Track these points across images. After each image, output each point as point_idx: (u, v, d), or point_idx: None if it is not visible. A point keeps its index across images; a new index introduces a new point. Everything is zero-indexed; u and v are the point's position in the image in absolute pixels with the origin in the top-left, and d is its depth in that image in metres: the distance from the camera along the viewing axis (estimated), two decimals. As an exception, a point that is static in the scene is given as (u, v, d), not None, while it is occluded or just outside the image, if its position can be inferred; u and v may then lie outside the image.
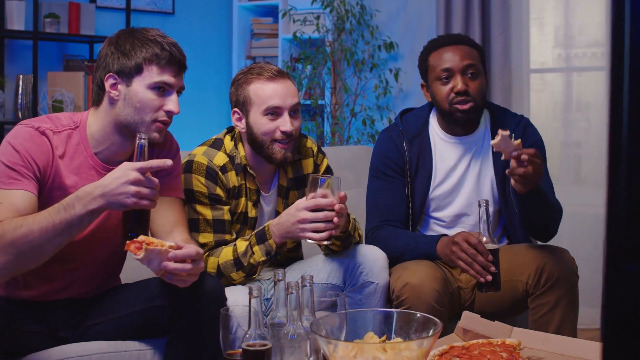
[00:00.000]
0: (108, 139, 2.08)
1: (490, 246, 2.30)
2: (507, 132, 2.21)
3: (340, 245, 2.39)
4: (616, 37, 0.74)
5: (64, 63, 4.52)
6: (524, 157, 2.22)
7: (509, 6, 4.14)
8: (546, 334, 2.13)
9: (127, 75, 2.03)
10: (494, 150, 2.27)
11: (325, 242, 2.23)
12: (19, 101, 4.26)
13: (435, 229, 2.68)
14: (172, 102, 2.05)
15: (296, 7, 4.79)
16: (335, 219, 2.20)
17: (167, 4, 5.03)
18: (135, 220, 1.88)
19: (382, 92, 4.62)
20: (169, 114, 2.06)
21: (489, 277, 2.28)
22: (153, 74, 2.02)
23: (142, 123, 2.03)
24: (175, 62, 2.06)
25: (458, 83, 2.54)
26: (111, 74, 2.03)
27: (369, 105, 4.72)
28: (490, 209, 2.62)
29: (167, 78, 2.04)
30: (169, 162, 1.91)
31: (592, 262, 3.56)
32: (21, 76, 4.26)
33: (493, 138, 2.64)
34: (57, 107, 4.26)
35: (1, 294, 2.07)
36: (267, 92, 2.36)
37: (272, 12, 5.17)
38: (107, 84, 2.04)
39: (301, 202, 2.22)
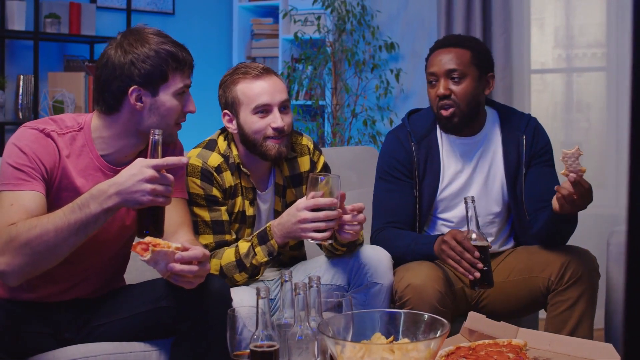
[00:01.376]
0: (120, 143, 2.07)
1: (480, 243, 2.30)
2: (582, 153, 2.19)
3: (347, 250, 2.39)
4: (637, 35, 0.74)
5: (65, 63, 4.51)
6: (573, 178, 2.21)
7: (510, 7, 4.15)
8: (552, 334, 2.13)
9: (153, 85, 2.02)
10: (561, 159, 2.23)
11: (327, 242, 2.23)
12: (20, 102, 4.25)
13: (443, 230, 2.67)
14: (191, 103, 2.10)
15: (297, 8, 4.79)
16: (358, 228, 2.22)
17: (168, 4, 5.03)
18: (151, 218, 1.86)
19: (383, 92, 4.62)
20: (187, 114, 2.11)
21: (477, 274, 2.29)
22: (177, 81, 2.04)
23: (167, 128, 2.05)
24: (190, 64, 2.09)
25: (439, 87, 2.57)
26: (135, 86, 2.00)
27: (370, 106, 4.72)
28: (497, 209, 2.63)
29: (187, 81, 2.08)
30: (184, 159, 1.92)
31: (595, 262, 3.56)
32: (22, 76, 4.25)
33: (503, 138, 2.64)
34: (58, 108, 4.25)
35: (5, 296, 2.06)
36: (254, 90, 2.36)
37: (272, 12, 5.16)
38: (132, 97, 2.01)
39: (301, 202, 2.22)
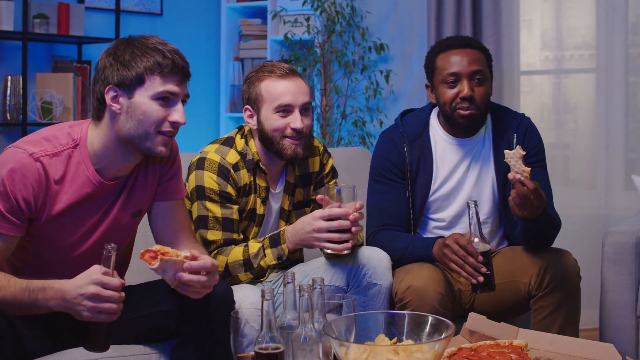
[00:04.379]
0: (110, 154, 2.00)
1: (482, 247, 2.29)
2: (524, 153, 2.23)
3: None
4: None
5: (53, 64, 4.47)
6: (519, 178, 2.23)
7: (500, 8, 4.16)
8: (553, 334, 2.14)
9: (129, 87, 1.94)
10: (505, 159, 2.27)
11: (346, 252, 2.28)
12: (8, 102, 4.20)
13: (434, 230, 2.67)
14: (177, 113, 1.98)
15: (286, 9, 4.78)
16: (354, 229, 2.25)
17: (155, 5, 5.00)
18: (95, 332, 1.81)
19: (372, 93, 4.62)
20: (175, 124, 1.98)
21: (481, 278, 2.29)
22: (156, 84, 1.94)
23: (147, 136, 1.96)
24: (179, 70, 1.98)
25: (464, 88, 2.52)
26: (111, 86, 1.95)
27: (360, 107, 4.71)
28: (488, 209, 2.63)
29: (171, 87, 1.96)
30: (120, 301, 1.82)
31: (585, 263, 3.56)
32: (9, 77, 4.20)
33: (494, 137, 2.65)
34: (46, 109, 4.21)
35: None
36: (278, 89, 2.40)
37: (260, 13, 5.15)
38: (108, 97, 1.95)
39: (317, 212, 2.27)
